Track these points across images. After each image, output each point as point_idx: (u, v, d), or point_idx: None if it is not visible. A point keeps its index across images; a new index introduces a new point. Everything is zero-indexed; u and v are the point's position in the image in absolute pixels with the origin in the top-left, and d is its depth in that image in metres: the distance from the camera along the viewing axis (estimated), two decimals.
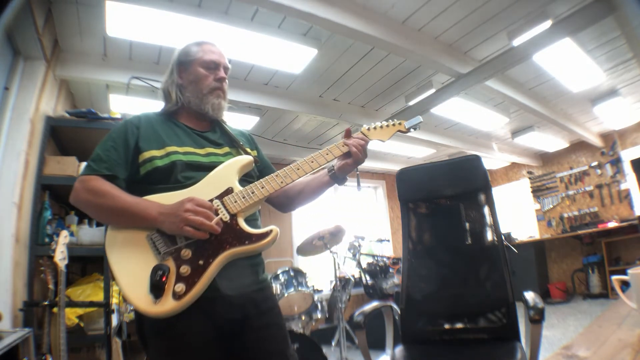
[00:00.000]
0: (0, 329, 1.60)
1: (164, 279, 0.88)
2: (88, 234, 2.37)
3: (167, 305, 0.88)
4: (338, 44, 2.96)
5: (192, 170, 1.05)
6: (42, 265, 1.77)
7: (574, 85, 3.87)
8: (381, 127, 1.22)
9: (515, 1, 2.64)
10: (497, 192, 2.92)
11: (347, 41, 2.90)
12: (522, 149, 6.06)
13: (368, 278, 4.64)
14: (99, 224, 2.77)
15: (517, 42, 2.91)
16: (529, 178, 6.65)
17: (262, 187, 1.05)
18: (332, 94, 3.80)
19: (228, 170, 1.07)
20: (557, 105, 4.47)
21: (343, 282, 3.82)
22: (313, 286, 3.16)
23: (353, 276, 4.36)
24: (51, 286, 1.73)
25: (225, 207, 1.00)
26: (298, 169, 1.08)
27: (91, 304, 2.22)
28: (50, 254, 1.76)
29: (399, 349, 1.55)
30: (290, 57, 2.94)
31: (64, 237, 1.81)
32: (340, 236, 3.18)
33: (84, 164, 2.38)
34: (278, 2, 2.17)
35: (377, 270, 4.63)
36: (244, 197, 1.02)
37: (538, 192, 6.51)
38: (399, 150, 5.48)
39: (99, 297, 2.23)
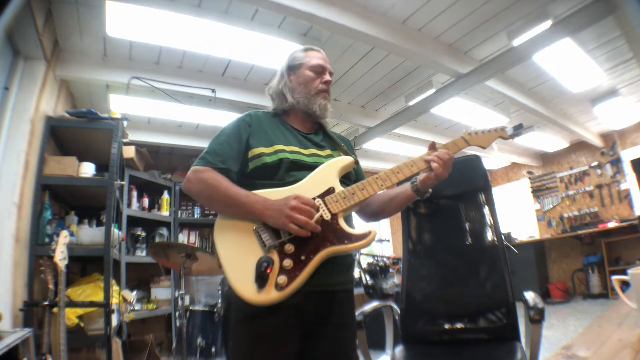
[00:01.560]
0: (0, 329, 1.61)
1: (268, 271, 0.93)
2: (88, 234, 2.37)
3: (270, 295, 0.93)
4: (338, 44, 2.96)
5: (296, 169, 1.11)
6: (42, 265, 1.77)
7: (573, 85, 3.87)
8: (483, 132, 1.19)
9: (515, 1, 2.64)
10: (497, 192, 2.92)
11: (347, 41, 2.90)
12: (522, 149, 6.06)
13: (368, 278, 4.64)
14: (99, 224, 2.78)
15: (517, 42, 2.91)
16: (529, 178, 6.65)
17: (363, 189, 1.07)
18: (332, 94, 3.77)
19: (330, 170, 1.11)
20: (557, 105, 4.47)
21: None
22: None
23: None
24: (51, 286, 1.73)
25: (326, 206, 1.04)
26: (398, 173, 1.11)
27: (91, 304, 2.22)
28: (50, 254, 1.76)
29: (399, 349, 1.55)
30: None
31: (64, 237, 1.81)
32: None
33: (83, 164, 2.40)
34: (278, 2, 2.17)
35: (377, 270, 4.63)
36: (344, 198, 1.05)
37: (538, 192, 6.51)
38: (399, 150, 5.48)
39: (99, 297, 2.23)
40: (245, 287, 0.95)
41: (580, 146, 5.92)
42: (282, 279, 0.95)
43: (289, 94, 1.23)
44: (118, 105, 3.28)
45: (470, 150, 5.44)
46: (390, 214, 1.25)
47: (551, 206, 6.31)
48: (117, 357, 2.31)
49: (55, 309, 1.70)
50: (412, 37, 2.83)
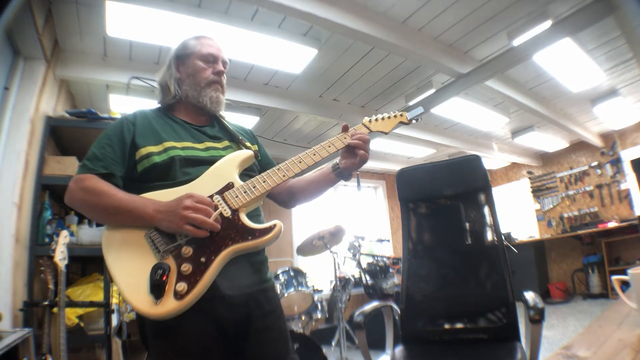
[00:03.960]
0: (0, 329, 1.60)
1: (164, 278, 0.84)
2: (88, 234, 2.37)
3: (169, 305, 0.84)
4: (338, 44, 2.96)
5: (191, 165, 1.03)
6: (42, 265, 1.77)
7: (573, 85, 3.87)
8: (382, 119, 1.19)
9: (515, 1, 2.64)
10: (497, 192, 2.92)
11: (347, 41, 2.90)
12: (522, 149, 6.06)
13: (368, 278, 4.64)
14: (99, 224, 2.77)
15: (517, 42, 2.90)
16: (529, 178, 6.65)
17: (264, 181, 1.02)
18: (332, 94, 3.80)
19: (228, 165, 1.04)
20: (557, 105, 4.47)
21: (343, 282, 3.82)
22: (313, 286, 3.16)
23: (353, 276, 4.37)
24: (51, 286, 1.73)
25: (226, 202, 0.97)
26: (300, 162, 1.06)
27: (91, 304, 2.22)
28: (50, 254, 1.76)
29: (399, 349, 1.55)
30: (290, 57, 2.95)
31: (64, 237, 1.81)
32: (340, 236, 3.18)
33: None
34: (278, 2, 2.17)
35: (377, 270, 4.63)
36: (245, 192, 0.99)
37: (538, 192, 6.51)
38: (399, 150, 5.48)
39: (99, 297, 2.23)
40: (141, 301, 0.85)
41: (580, 146, 5.92)
42: (181, 286, 0.85)
43: (174, 87, 1.13)
44: (118, 105, 3.28)
45: (470, 150, 5.43)
46: (310, 198, 1.22)
47: (551, 206, 6.31)
48: (117, 357, 2.31)
49: (55, 309, 1.70)
50: (412, 37, 2.83)
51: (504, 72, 3.28)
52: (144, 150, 1.02)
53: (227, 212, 0.96)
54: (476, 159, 1.76)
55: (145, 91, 3.12)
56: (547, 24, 2.73)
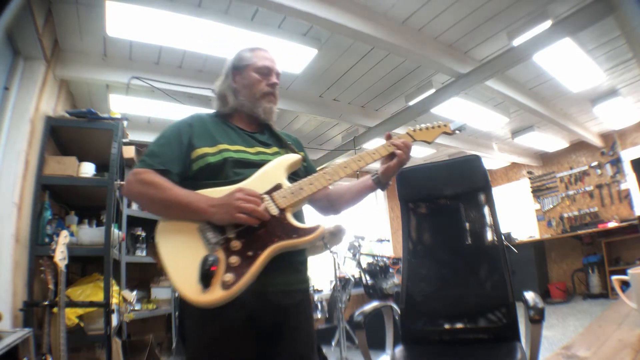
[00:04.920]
0: (0, 329, 1.60)
1: (213, 269, 0.90)
2: (88, 234, 2.37)
3: (216, 294, 0.89)
4: (338, 44, 2.96)
5: (242, 167, 1.09)
6: (42, 265, 1.77)
7: (573, 85, 3.87)
8: (427, 128, 1.25)
9: (515, 1, 2.64)
10: (497, 192, 2.92)
11: (347, 41, 2.90)
12: (522, 149, 6.06)
13: (368, 278, 4.64)
14: (99, 224, 2.77)
15: (517, 42, 2.91)
16: (529, 178, 6.65)
17: (311, 184, 1.07)
18: (332, 94, 3.80)
19: (277, 168, 1.10)
20: (557, 105, 4.47)
21: (343, 282, 3.83)
22: (313, 286, 3.16)
23: (353, 276, 4.37)
24: (51, 286, 1.73)
25: (274, 202, 1.02)
26: (345, 167, 1.12)
27: (91, 304, 2.22)
28: (50, 254, 1.76)
29: (399, 349, 1.55)
30: (290, 57, 2.95)
31: (64, 237, 1.81)
32: (340, 236, 3.19)
33: (83, 164, 2.40)
34: (278, 2, 2.17)
35: (377, 270, 4.63)
36: (292, 193, 1.04)
37: (538, 192, 6.51)
38: None
39: (99, 297, 2.23)
40: (189, 288, 0.90)
41: (580, 146, 5.92)
42: (229, 276, 0.91)
43: (232, 97, 1.21)
44: (118, 105, 3.28)
45: (470, 150, 5.43)
46: (348, 205, 1.27)
47: (551, 206, 6.31)
48: (117, 357, 2.31)
49: (55, 309, 1.70)
50: (412, 37, 2.83)
51: (504, 72, 3.28)
52: (199, 151, 1.08)
53: (275, 211, 1.01)
54: (476, 159, 1.76)
55: (145, 91, 3.12)
56: (547, 24, 2.73)
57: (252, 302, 0.96)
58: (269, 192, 1.04)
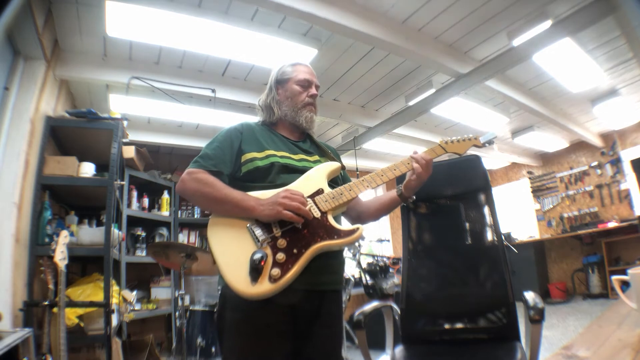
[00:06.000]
0: (0, 329, 1.61)
1: (262, 263, 0.97)
2: (88, 234, 2.37)
3: (264, 287, 0.96)
4: (338, 44, 2.96)
5: (287, 172, 1.18)
6: (42, 265, 1.77)
7: (573, 85, 3.87)
8: (458, 141, 1.31)
9: (515, 1, 2.63)
10: (497, 192, 2.92)
11: (347, 41, 2.90)
12: (522, 149, 6.06)
13: (368, 278, 4.64)
14: (99, 224, 2.78)
15: (517, 42, 2.90)
16: (529, 178, 6.65)
17: (350, 190, 1.15)
18: (332, 94, 3.80)
19: (319, 174, 1.19)
20: (557, 105, 4.47)
21: (343, 282, 3.82)
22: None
23: (353, 276, 4.36)
24: (51, 286, 1.73)
25: (316, 205, 1.10)
26: (382, 175, 1.21)
27: (91, 304, 2.22)
28: (50, 254, 1.76)
29: (399, 349, 1.55)
30: (290, 57, 2.93)
31: (64, 237, 1.81)
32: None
33: (83, 164, 2.40)
34: (278, 2, 2.17)
35: (377, 270, 4.63)
36: (333, 197, 1.13)
37: (538, 192, 6.51)
38: (399, 150, 5.47)
39: (99, 297, 2.23)
40: (240, 281, 0.98)
41: (580, 146, 5.92)
42: (276, 271, 0.98)
43: (276, 107, 1.30)
44: (118, 105, 3.27)
45: (470, 150, 5.44)
46: (376, 217, 1.38)
47: (551, 206, 6.31)
48: (117, 357, 2.31)
49: (55, 309, 1.70)
50: (412, 37, 2.83)
51: (504, 72, 3.28)
52: (249, 155, 1.18)
53: (317, 213, 1.09)
54: (476, 159, 1.76)
55: (145, 91, 3.12)
56: (547, 24, 2.73)
57: (293, 300, 1.03)
58: (312, 196, 1.12)
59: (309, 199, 1.10)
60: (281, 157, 1.20)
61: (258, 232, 1.05)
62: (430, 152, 1.27)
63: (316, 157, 1.29)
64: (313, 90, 1.32)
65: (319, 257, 1.06)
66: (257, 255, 0.97)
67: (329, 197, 1.12)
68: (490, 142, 1.30)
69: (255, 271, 0.96)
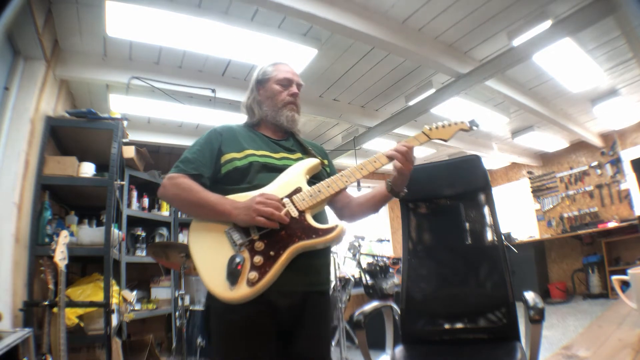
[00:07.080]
0: (0, 329, 1.60)
1: (239, 268, 0.98)
2: (88, 234, 2.37)
3: (242, 291, 0.97)
4: (338, 44, 2.96)
5: (266, 171, 1.17)
6: (42, 265, 1.77)
7: (573, 85, 3.87)
8: (443, 126, 1.24)
9: (515, 1, 2.63)
10: (497, 192, 2.92)
11: (347, 41, 2.90)
12: (522, 149, 6.06)
13: (368, 278, 4.64)
14: (99, 224, 2.78)
15: (517, 42, 2.90)
16: (529, 178, 6.65)
17: (329, 186, 1.13)
18: (332, 94, 3.80)
19: (297, 172, 1.17)
20: (557, 105, 4.47)
21: (343, 282, 3.83)
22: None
23: (353, 276, 4.37)
24: (51, 286, 1.73)
25: (294, 204, 1.09)
26: (362, 169, 1.16)
27: (91, 304, 2.22)
28: (50, 254, 1.76)
29: (399, 349, 1.55)
30: (290, 57, 2.94)
31: (64, 237, 1.81)
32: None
33: (83, 164, 2.40)
34: (278, 2, 2.17)
35: (377, 270, 4.63)
36: (311, 196, 1.11)
37: (538, 192, 6.51)
38: None
39: (99, 297, 2.23)
40: (218, 285, 0.99)
41: (580, 146, 5.92)
42: (253, 275, 0.98)
43: (257, 108, 1.31)
44: (118, 105, 3.28)
45: (470, 150, 5.43)
46: (368, 213, 1.31)
47: (551, 206, 6.31)
48: (117, 357, 2.31)
49: (55, 309, 1.70)
50: (412, 37, 2.83)
51: (504, 72, 3.28)
52: (228, 156, 1.17)
53: (295, 213, 1.07)
54: (476, 159, 1.76)
55: (145, 91, 3.12)
56: (547, 24, 2.73)
57: (274, 300, 1.03)
58: (290, 196, 1.10)
59: (286, 199, 1.09)
60: (261, 156, 1.18)
61: (236, 236, 1.05)
62: (413, 141, 1.19)
63: (298, 155, 1.27)
64: (294, 89, 1.32)
65: (301, 258, 1.05)
66: (234, 260, 0.98)
67: (306, 196, 1.10)
68: (475, 125, 1.23)
69: (233, 275, 0.97)
